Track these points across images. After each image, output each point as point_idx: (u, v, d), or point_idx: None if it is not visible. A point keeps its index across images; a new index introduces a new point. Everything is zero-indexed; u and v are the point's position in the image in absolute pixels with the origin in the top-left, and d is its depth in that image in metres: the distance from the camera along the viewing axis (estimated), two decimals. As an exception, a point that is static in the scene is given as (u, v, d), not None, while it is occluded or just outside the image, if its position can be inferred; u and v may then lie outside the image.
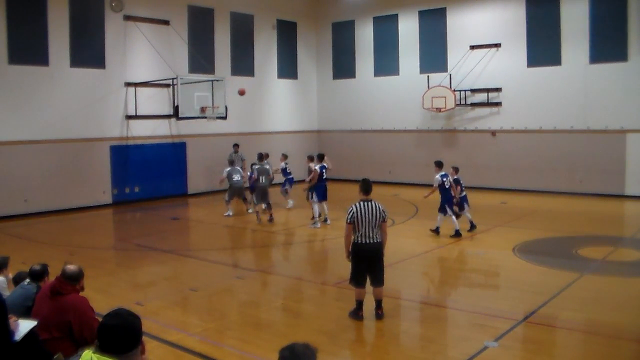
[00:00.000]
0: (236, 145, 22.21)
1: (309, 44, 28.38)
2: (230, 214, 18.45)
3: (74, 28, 19.53)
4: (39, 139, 18.76)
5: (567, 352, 7.72)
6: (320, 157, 17.30)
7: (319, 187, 16.67)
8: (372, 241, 8.52)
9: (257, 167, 17.30)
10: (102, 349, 3.36)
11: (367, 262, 8.62)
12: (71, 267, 6.15)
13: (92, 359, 3.35)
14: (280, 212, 18.62)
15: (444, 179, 14.59)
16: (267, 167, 17.39)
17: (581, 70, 21.09)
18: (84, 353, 3.43)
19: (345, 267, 8.99)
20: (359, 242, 8.56)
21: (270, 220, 17.17)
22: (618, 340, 8.00)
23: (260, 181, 17.09)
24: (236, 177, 18.09)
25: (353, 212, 8.53)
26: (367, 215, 8.46)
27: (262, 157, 17.80)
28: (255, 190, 17.39)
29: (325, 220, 16.80)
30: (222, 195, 19.36)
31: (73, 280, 6.09)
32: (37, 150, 18.71)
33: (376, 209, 8.51)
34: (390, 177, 24.30)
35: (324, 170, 16.82)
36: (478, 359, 7.27)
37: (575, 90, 21.21)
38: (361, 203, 8.57)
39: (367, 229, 8.49)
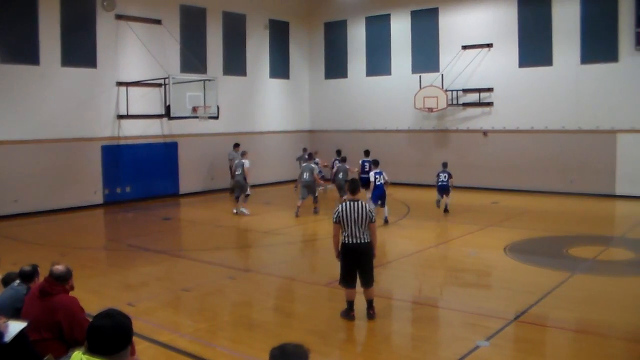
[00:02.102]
0: (237, 145, 22.44)
1: (301, 43, 28.37)
2: (235, 211, 18.61)
3: (65, 27, 19.43)
4: (30, 138, 18.66)
5: (558, 351, 7.74)
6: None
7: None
8: (359, 241, 8.51)
9: (304, 164, 19.04)
10: (91, 350, 3.34)
11: (355, 262, 8.61)
12: (59, 267, 6.13)
13: (81, 360, 3.33)
14: (281, 211, 18.67)
15: (377, 176, 16.43)
16: (313, 165, 18.68)
17: (572, 71, 21.17)
18: (73, 354, 3.41)
19: (336, 267, 8.99)
20: (347, 242, 8.57)
21: (315, 211, 18.22)
22: (609, 339, 8.04)
23: (304, 177, 18.31)
24: (238, 171, 18.57)
25: (338, 212, 8.56)
26: (353, 215, 8.46)
27: (310, 156, 19.85)
28: (300, 186, 18.71)
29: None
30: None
31: (62, 280, 6.06)
32: (27, 150, 18.60)
33: (362, 209, 8.50)
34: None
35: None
36: (470, 358, 7.28)
37: (567, 90, 21.29)
38: (348, 203, 8.59)
39: (353, 229, 8.49)
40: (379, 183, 16.38)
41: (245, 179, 18.34)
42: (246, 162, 18.50)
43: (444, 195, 17.96)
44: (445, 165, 18.50)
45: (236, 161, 19.09)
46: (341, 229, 8.60)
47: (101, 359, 3.31)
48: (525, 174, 22.30)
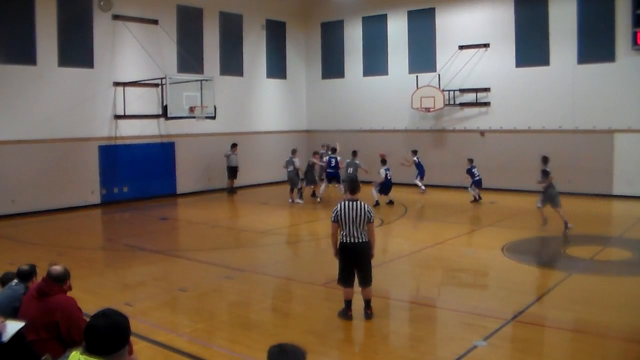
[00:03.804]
0: (234, 145, 22.67)
1: (298, 43, 28.36)
2: (298, 201, 20.40)
3: (62, 27, 19.41)
4: (27, 138, 18.63)
5: (556, 351, 7.75)
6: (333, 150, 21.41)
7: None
8: (357, 241, 8.52)
9: (347, 161, 20.21)
10: (89, 350, 3.33)
11: (353, 261, 8.62)
12: (56, 268, 6.12)
13: (79, 360, 3.32)
14: (278, 211, 18.69)
15: (387, 172, 19.67)
16: (357, 161, 20.03)
17: (569, 71, 21.19)
18: (71, 354, 3.40)
19: (334, 267, 8.99)
20: (344, 241, 8.58)
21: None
22: (606, 339, 8.05)
23: (348, 172, 19.65)
24: (289, 168, 20.72)
25: (337, 212, 8.58)
26: (351, 215, 8.47)
27: (355, 153, 20.55)
28: (345, 181, 19.99)
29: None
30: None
31: (59, 281, 6.05)
32: (24, 150, 18.58)
33: (361, 209, 8.50)
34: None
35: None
36: (467, 358, 7.28)
37: (564, 90, 21.32)
38: (346, 202, 8.60)
39: (351, 228, 8.50)
40: (390, 177, 19.57)
41: (297, 174, 20.64)
42: (297, 161, 20.83)
43: (478, 188, 20.27)
44: (472, 160, 20.56)
45: (286, 159, 20.94)
46: (339, 228, 8.62)
47: (99, 358, 3.30)
48: (522, 174, 22.27)
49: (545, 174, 15.43)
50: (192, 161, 23.41)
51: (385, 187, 19.62)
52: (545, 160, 16.26)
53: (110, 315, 3.47)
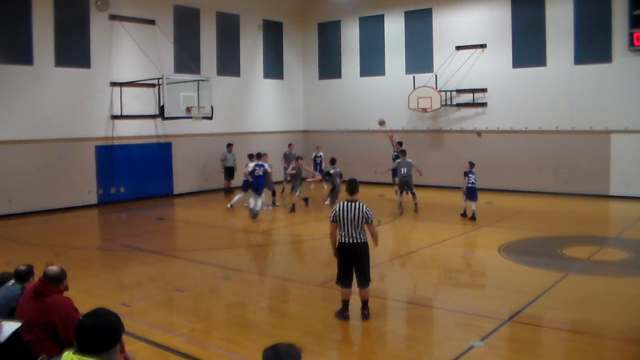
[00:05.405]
0: (230, 145, 22.56)
1: (295, 44, 28.36)
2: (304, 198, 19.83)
3: (58, 27, 19.37)
4: (24, 138, 18.60)
5: (553, 351, 7.76)
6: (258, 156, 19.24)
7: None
8: (355, 241, 8.55)
9: (399, 160, 19.14)
10: (80, 349, 3.34)
11: (350, 261, 8.64)
12: (53, 268, 6.11)
13: (72, 360, 3.33)
14: (275, 211, 18.69)
15: (257, 168, 18.08)
16: (409, 160, 18.91)
17: (566, 71, 21.23)
18: (64, 354, 3.41)
19: (331, 267, 9.00)
20: (342, 241, 8.62)
21: (415, 209, 18.51)
22: (603, 339, 8.06)
23: (402, 172, 18.67)
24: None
25: (336, 212, 8.64)
26: (349, 215, 8.51)
27: (404, 153, 19.70)
28: (399, 182, 19.22)
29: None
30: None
31: (56, 281, 6.04)
32: (21, 150, 18.54)
33: (359, 210, 8.53)
34: (376, 177, 24.31)
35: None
36: (464, 358, 7.29)
37: (560, 91, 21.35)
38: (345, 203, 8.63)
39: (349, 229, 8.53)
40: (257, 175, 17.98)
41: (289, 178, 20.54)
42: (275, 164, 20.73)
43: (471, 200, 16.87)
44: (472, 165, 17.49)
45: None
46: (338, 229, 8.63)
47: (91, 357, 3.31)
48: (519, 175, 22.34)
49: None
50: (189, 161, 23.38)
51: (253, 185, 18.08)
52: (332, 161, 18.95)
53: (101, 314, 3.49)
